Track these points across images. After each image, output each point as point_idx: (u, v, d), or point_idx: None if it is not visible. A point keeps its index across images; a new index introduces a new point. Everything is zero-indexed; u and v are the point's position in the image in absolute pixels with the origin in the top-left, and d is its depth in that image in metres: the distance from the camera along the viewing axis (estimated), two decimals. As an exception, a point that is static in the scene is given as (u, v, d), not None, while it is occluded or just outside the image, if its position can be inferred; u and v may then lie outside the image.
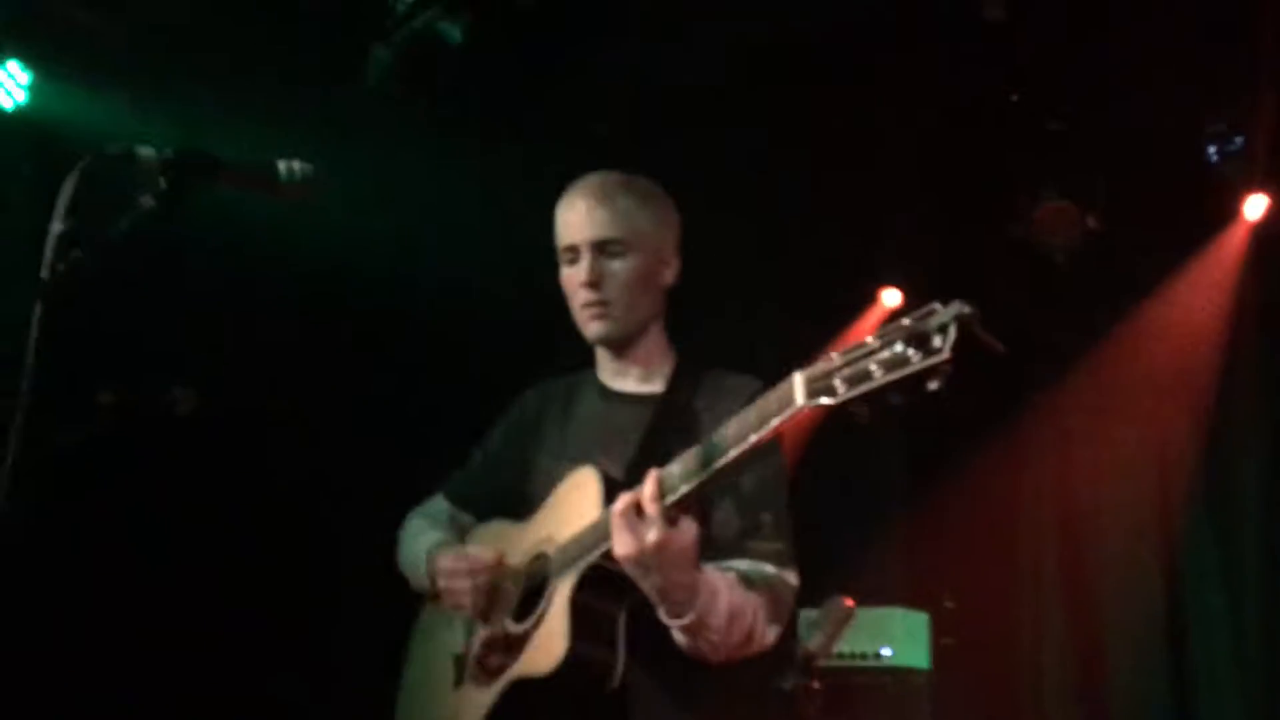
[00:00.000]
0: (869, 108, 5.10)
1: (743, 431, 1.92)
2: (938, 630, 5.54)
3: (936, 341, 1.67)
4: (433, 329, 5.04)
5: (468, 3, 4.34)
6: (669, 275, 2.46)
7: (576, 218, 2.41)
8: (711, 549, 2.19)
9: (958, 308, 1.70)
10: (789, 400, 1.84)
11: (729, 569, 2.18)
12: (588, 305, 2.40)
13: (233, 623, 4.42)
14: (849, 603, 3.39)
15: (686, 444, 2.08)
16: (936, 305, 1.71)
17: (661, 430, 2.34)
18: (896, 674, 5.22)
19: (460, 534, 2.58)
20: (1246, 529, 5.48)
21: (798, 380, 1.84)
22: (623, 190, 2.43)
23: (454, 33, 4.38)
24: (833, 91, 4.97)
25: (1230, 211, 5.36)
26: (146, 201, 2.14)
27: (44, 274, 2.06)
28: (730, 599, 2.10)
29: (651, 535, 1.98)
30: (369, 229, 4.62)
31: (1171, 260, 5.51)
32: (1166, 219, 5.32)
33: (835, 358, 1.77)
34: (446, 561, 2.41)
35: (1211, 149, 5.11)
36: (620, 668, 2.14)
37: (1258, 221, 5.34)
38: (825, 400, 1.77)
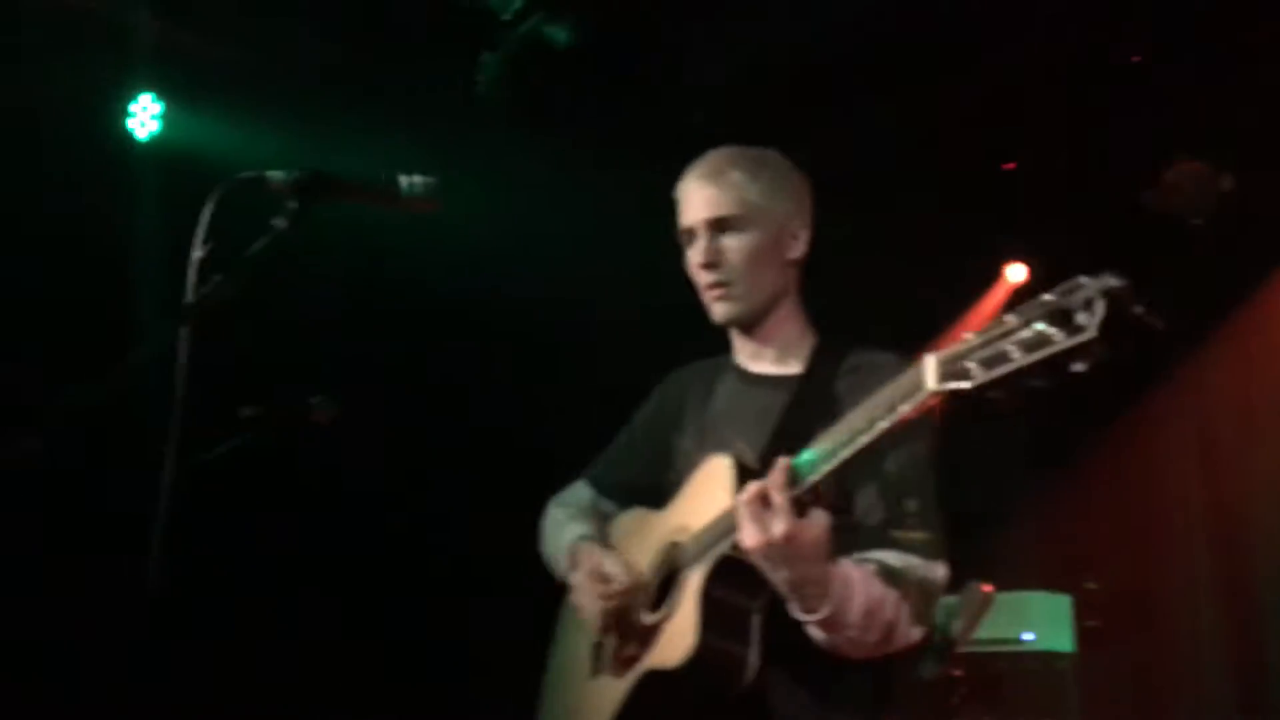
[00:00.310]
0: (990, 79, 4.96)
1: (871, 418, 1.83)
2: (1082, 613, 5.40)
3: (1082, 319, 1.55)
4: (558, 338, 5.10)
5: (572, 5, 4.37)
6: (797, 248, 2.34)
7: (690, 198, 2.34)
8: (853, 538, 2.08)
9: (1106, 281, 1.57)
10: (918, 386, 1.74)
11: (870, 560, 2.05)
12: (709, 287, 2.32)
13: (389, 612, 4.58)
14: (987, 588, 3.31)
15: (825, 427, 1.98)
16: (1083, 279, 1.58)
17: (798, 413, 2.22)
18: (1040, 658, 5.10)
19: (601, 521, 2.54)
20: None
21: (929, 364, 1.72)
22: (734, 164, 2.33)
23: (560, 35, 4.41)
24: (954, 65, 4.86)
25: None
26: (279, 223, 2.21)
27: (188, 299, 2.15)
28: (868, 594, 1.98)
29: (778, 527, 1.89)
30: (490, 238, 4.70)
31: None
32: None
33: (970, 338, 1.66)
34: (580, 578, 2.36)
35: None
36: (754, 662, 2.04)
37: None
38: (959, 384, 1.66)
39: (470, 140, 4.54)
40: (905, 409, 1.78)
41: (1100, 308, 1.55)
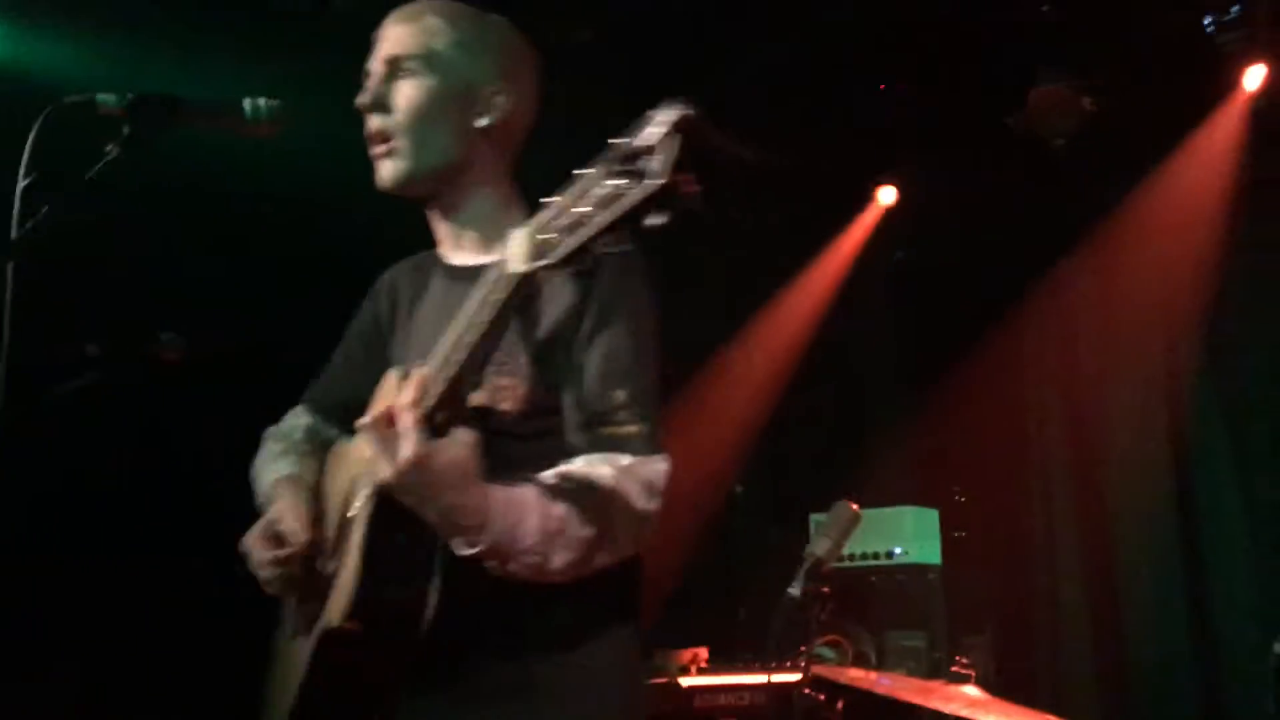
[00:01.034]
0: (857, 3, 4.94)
1: (470, 319, 1.63)
2: (949, 525, 5.59)
3: (654, 164, 1.37)
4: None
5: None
6: (489, 114, 2.03)
7: (378, 39, 2.08)
8: (559, 444, 1.86)
9: (671, 113, 1.40)
10: (503, 271, 1.57)
11: (558, 474, 1.80)
12: (370, 137, 2.04)
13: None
14: (854, 506, 3.36)
15: (527, 334, 1.84)
16: (650, 112, 1.42)
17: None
18: (910, 571, 5.27)
19: (323, 451, 2.19)
20: (1254, 404, 5.47)
21: (516, 241, 1.53)
22: (437, 10, 2.07)
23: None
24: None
25: (1229, 84, 5.23)
26: (112, 149, 2.08)
27: (14, 231, 2.02)
28: (544, 513, 1.73)
29: (404, 450, 1.62)
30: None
31: (1171, 137, 5.40)
32: (1164, 96, 5.20)
33: (554, 202, 1.47)
34: (253, 545, 2.01)
35: (1208, 20, 4.97)
36: (429, 609, 1.80)
37: (1256, 92, 5.22)
38: (544, 262, 1.46)
39: (319, 59, 4.34)
40: (502, 299, 1.60)
41: (671, 146, 1.38)
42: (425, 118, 2.01)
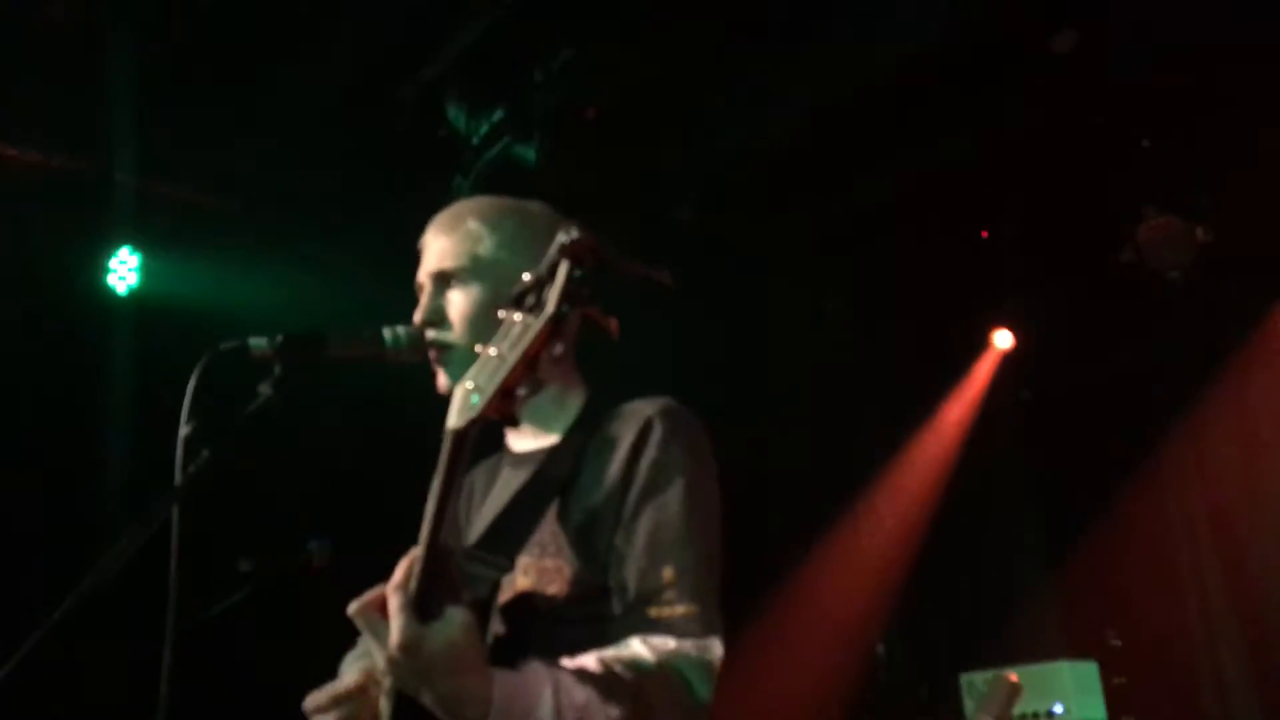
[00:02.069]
0: (960, 156, 5.02)
1: (433, 486, 1.57)
2: (1107, 673, 5.33)
3: (545, 294, 1.44)
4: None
5: (539, 124, 4.42)
6: (563, 343, 2.09)
7: (424, 252, 2.06)
8: (607, 629, 1.74)
9: (561, 238, 1.45)
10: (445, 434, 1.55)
11: (597, 658, 1.68)
12: (429, 349, 2.01)
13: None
14: (1013, 678, 3.24)
15: (567, 513, 1.78)
16: (559, 240, 1.47)
17: (529, 492, 1.89)
18: (1073, 729, 5.01)
19: None
20: None
21: (454, 400, 1.53)
22: (475, 213, 2.04)
23: (529, 155, 4.46)
24: (920, 142, 4.91)
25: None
26: (265, 390, 2.19)
27: (177, 478, 2.13)
28: (563, 701, 1.58)
29: (392, 636, 1.52)
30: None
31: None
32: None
33: (486, 352, 1.52)
34: (310, 700, 1.97)
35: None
36: None
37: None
38: (472, 415, 1.50)
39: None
40: (442, 459, 1.55)
41: (558, 275, 1.44)
42: (480, 327, 1.94)
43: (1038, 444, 6.14)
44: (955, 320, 5.86)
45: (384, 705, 1.72)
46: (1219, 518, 5.87)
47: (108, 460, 4.42)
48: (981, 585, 6.17)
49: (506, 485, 2.00)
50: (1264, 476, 5.63)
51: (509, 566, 1.78)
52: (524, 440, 2.06)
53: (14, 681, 1.86)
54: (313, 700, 1.99)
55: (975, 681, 5.20)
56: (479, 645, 1.58)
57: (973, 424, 6.09)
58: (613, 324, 1.59)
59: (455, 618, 1.54)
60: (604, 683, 1.62)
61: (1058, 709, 5.03)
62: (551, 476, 1.88)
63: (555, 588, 1.81)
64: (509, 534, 1.82)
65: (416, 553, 1.57)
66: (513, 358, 1.47)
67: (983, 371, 6.07)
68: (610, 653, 1.69)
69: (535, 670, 1.63)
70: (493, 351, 1.50)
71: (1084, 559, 5.74)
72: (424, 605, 1.55)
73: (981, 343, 6.08)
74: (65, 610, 1.93)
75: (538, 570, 1.84)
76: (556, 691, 1.59)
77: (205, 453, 2.13)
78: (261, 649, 4.22)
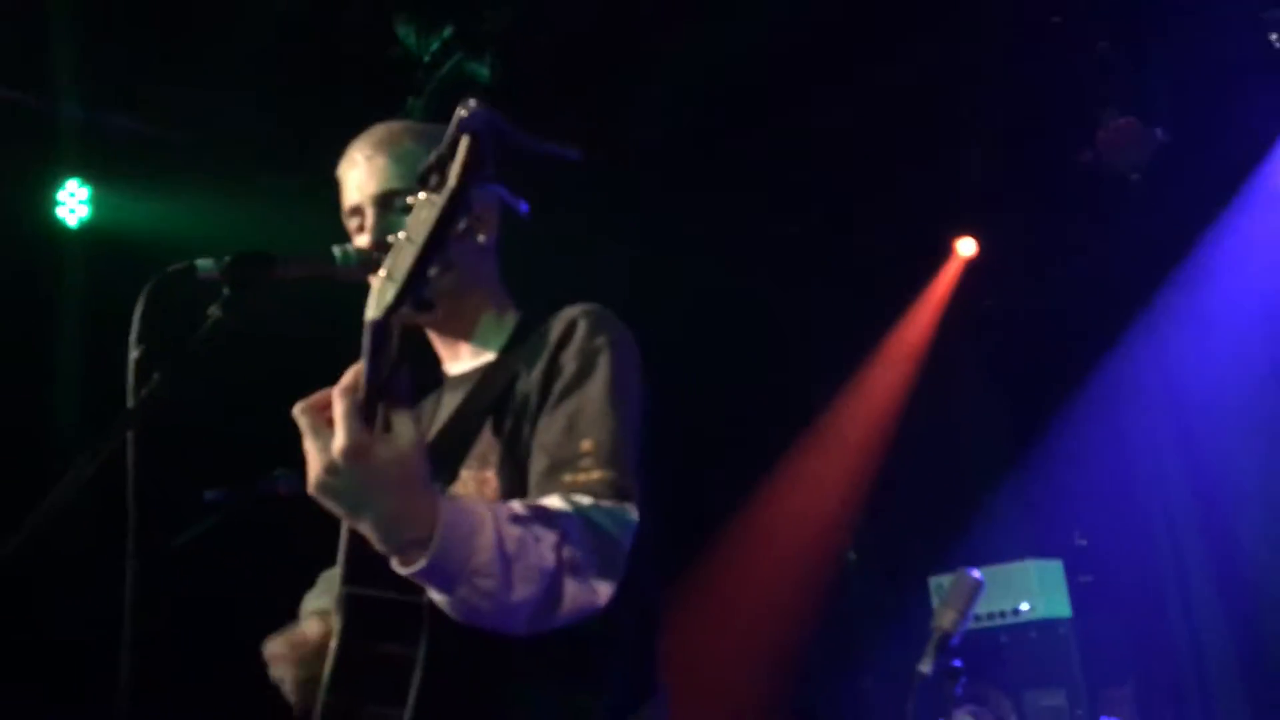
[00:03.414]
0: (917, 57, 4.97)
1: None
2: (1073, 572, 5.44)
3: (448, 172, 1.41)
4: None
5: (491, 40, 4.34)
6: (485, 229, 1.98)
7: (356, 173, 2.03)
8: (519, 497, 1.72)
9: (460, 112, 1.43)
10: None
11: (522, 502, 1.65)
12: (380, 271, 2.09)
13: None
14: (976, 574, 3.29)
15: (501, 424, 1.77)
16: (459, 111, 1.44)
17: (469, 407, 1.88)
18: (1039, 627, 5.12)
19: None
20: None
21: (372, 293, 1.46)
22: (409, 135, 2.02)
23: (482, 72, 4.38)
24: (886, 40, 4.87)
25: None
26: (214, 312, 2.17)
27: (129, 402, 2.11)
28: (502, 531, 1.52)
29: (338, 440, 1.42)
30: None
31: (1254, 157, 5.29)
32: (1238, 115, 5.11)
33: (398, 239, 1.46)
34: (271, 648, 1.99)
35: (1274, 35, 4.88)
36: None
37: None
38: (387, 305, 1.43)
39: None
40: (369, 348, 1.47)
41: (457, 150, 1.42)
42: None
43: (1001, 350, 6.20)
44: (918, 229, 5.86)
45: (335, 618, 1.72)
46: (1182, 417, 5.96)
47: (62, 395, 4.39)
48: (949, 491, 6.25)
49: (447, 408, 2.00)
50: (1225, 375, 5.70)
51: (449, 479, 1.79)
52: (460, 363, 2.05)
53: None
54: (271, 648, 2.02)
55: (943, 584, 5.28)
56: (427, 466, 1.50)
57: (937, 333, 6.13)
58: (523, 205, 1.57)
59: (406, 431, 1.46)
60: (531, 521, 1.58)
61: (1024, 607, 5.14)
62: (488, 391, 1.89)
63: (490, 494, 1.80)
64: (449, 451, 1.82)
65: (359, 366, 1.48)
66: (420, 238, 1.43)
67: (946, 280, 6.09)
68: (532, 501, 1.66)
69: (473, 499, 1.63)
70: (403, 236, 1.46)
71: (1049, 463, 5.82)
72: (371, 416, 1.46)
73: (944, 251, 6.09)
74: (18, 543, 1.92)
75: (476, 481, 1.84)
76: (496, 519, 1.54)
77: (156, 375, 2.12)
78: (228, 580, 4.23)
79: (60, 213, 4.67)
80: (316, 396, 1.51)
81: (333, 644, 1.71)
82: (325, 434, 1.45)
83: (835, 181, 5.47)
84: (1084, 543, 5.99)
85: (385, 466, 1.43)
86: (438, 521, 1.46)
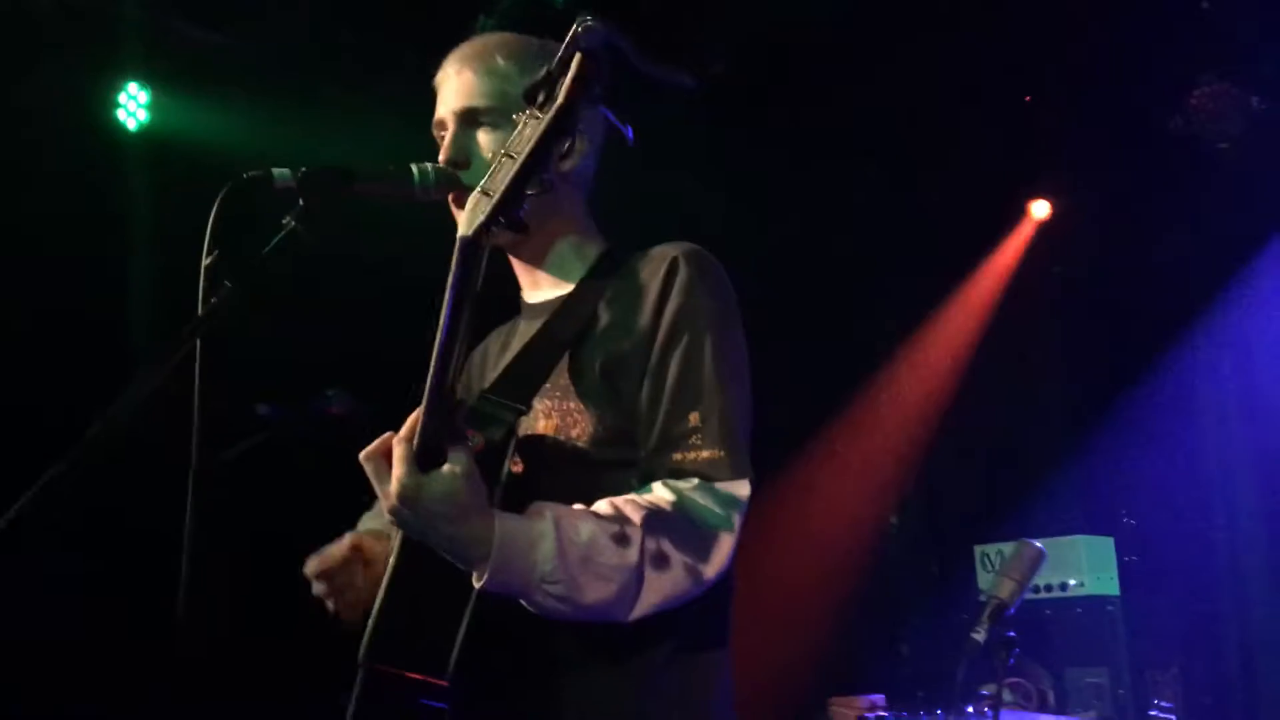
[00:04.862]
0: (1005, 11, 4.79)
1: (443, 307, 1.53)
2: (1122, 551, 5.33)
3: (556, 89, 1.43)
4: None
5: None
6: (570, 158, 1.87)
7: (446, 87, 1.97)
8: (625, 476, 1.73)
9: (574, 29, 1.43)
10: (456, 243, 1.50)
11: (609, 501, 1.67)
12: (453, 190, 1.93)
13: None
14: (1038, 545, 3.20)
15: (583, 356, 1.75)
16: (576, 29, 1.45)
17: (542, 340, 1.85)
18: (1086, 603, 5.02)
19: None
20: None
21: (466, 209, 1.50)
22: (502, 49, 1.95)
23: (557, -8, 4.24)
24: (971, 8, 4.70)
25: None
26: (289, 223, 2.09)
27: (200, 309, 2.05)
28: (565, 538, 1.58)
29: (392, 485, 1.55)
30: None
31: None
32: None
33: (498, 155, 1.49)
34: (308, 566, 1.99)
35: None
36: (455, 654, 1.63)
37: None
38: (482, 219, 1.47)
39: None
40: (454, 270, 1.52)
41: (568, 67, 1.43)
42: None
43: (1070, 319, 6.03)
44: (993, 189, 5.68)
45: (394, 547, 1.74)
46: (1252, 403, 5.79)
47: (127, 296, 4.35)
48: (1002, 458, 6.13)
49: (524, 334, 1.97)
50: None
51: (525, 409, 1.76)
52: (540, 292, 2.01)
53: (35, 512, 1.82)
54: (310, 566, 2.00)
55: (989, 554, 5.19)
56: (481, 491, 1.58)
57: (1004, 297, 5.98)
58: (629, 130, 1.58)
59: (456, 466, 1.56)
60: (611, 520, 1.62)
61: (1072, 582, 5.04)
62: (569, 322, 1.86)
63: (577, 431, 1.78)
64: (525, 378, 1.79)
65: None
66: (522, 155, 1.45)
67: (1017, 242, 5.92)
68: (627, 496, 1.68)
69: (537, 509, 1.63)
70: (503, 153, 1.48)
71: (1109, 439, 5.68)
72: (429, 452, 1.57)
73: (1018, 212, 5.91)
74: (85, 445, 1.87)
75: (560, 413, 1.80)
76: (559, 528, 1.60)
77: (228, 283, 2.06)
78: (279, 497, 4.20)
79: (120, 115, 4.59)
80: (377, 443, 1.62)
81: (389, 566, 1.72)
82: (387, 477, 1.58)
83: (911, 134, 5.30)
84: (1132, 522, 5.86)
85: (437, 504, 1.55)
86: (494, 542, 1.56)
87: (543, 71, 1.49)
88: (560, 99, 1.44)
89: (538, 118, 1.46)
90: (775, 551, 5.28)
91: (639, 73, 1.50)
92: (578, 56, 1.44)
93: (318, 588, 1.96)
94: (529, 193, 1.48)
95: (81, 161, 4.42)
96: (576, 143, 1.89)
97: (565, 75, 1.45)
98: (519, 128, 1.49)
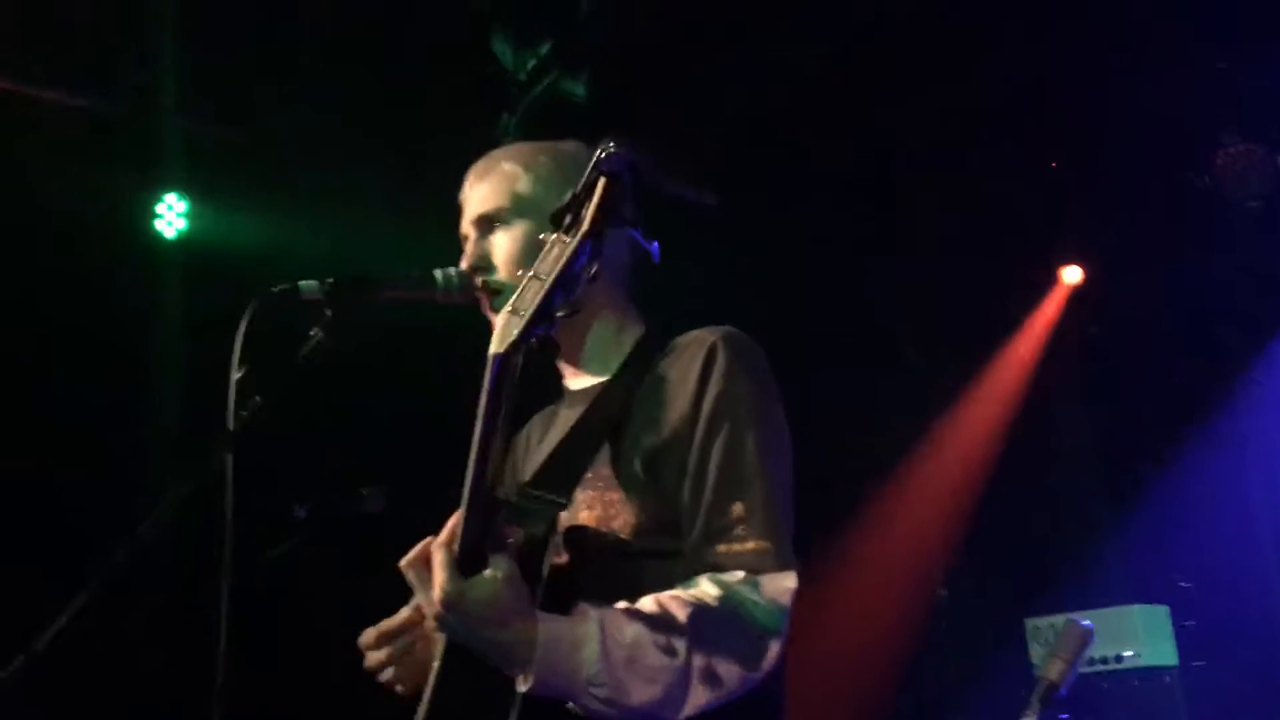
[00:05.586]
0: (1025, 75, 4.82)
1: (479, 417, 1.54)
2: (1177, 617, 5.19)
3: (582, 213, 1.47)
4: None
5: (588, 59, 4.29)
6: (613, 270, 1.89)
7: (464, 201, 2.04)
8: (674, 567, 1.71)
9: (599, 154, 1.47)
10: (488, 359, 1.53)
11: (655, 598, 1.64)
12: (480, 294, 1.97)
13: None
14: (1085, 624, 3.12)
15: (622, 445, 1.75)
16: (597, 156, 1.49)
17: (582, 429, 1.84)
18: (1143, 675, 4.89)
19: None
20: None
21: (498, 326, 1.52)
22: (510, 155, 2.02)
23: (578, 89, 4.33)
24: (987, 64, 4.73)
25: None
26: (316, 333, 2.13)
27: (230, 423, 2.08)
28: (615, 639, 1.56)
29: (434, 592, 1.54)
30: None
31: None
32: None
33: (528, 274, 1.52)
34: (363, 637, 2.00)
35: None
36: None
37: None
38: (513, 338, 1.49)
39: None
40: (485, 385, 1.53)
41: (593, 192, 1.46)
42: (525, 264, 1.79)
43: (1105, 381, 5.96)
44: (1023, 255, 5.67)
45: (437, 651, 1.72)
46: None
47: (158, 406, 4.41)
48: (1046, 528, 6.03)
49: (564, 423, 1.96)
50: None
51: (566, 502, 1.76)
52: (580, 379, 2.01)
53: (70, 631, 1.84)
54: (365, 637, 2.00)
55: (1040, 626, 5.09)
56: (523, 595, 1.57)
57: (1040, 362, 5.92)
58: (654, 247, 1.60)
59: (498, 571, 1.55)
60: (657, 620, 1.60)
61: (1127, 653, 4.91)
62: (607, 412, 1.85)
63: (619, 522, 1.77)
64: (565, 469, 1.78)
65: (460, 513, 1.57)
66: (550, 279, 1.47)
67: (1051, 308, 5.89)
68: (672, 592, 1.66)
69: (582, 610, 1.61)
70: (531, 274, 1.51)
71: (1154, 503, 5.58)
72: (469, 557, 1.56)
73: (1049, 279, 5.89)
74: (118, 560, 1.90)
75: (602, 504, 1.80)
76: (603, 630, 1.58)
77: (257, 398, 2.09)
78: (318, 596, 4.21)
79: (159, 225, 4.71)
80: (418, 550, 1.61)
81: (434, 668, 1.71)
82: (429, 584, 1.56)
83: (939, 204, 5.31)
84: (1188, 585, 5.72)
85: (479, 609, 1.54)
86: (537, 646, 1.55)
87: (568, 195, 1.52)
88: (585, 224, 1.47)
89: (565, 242, 1.49)
90: (824, 629, 5.21)
91: (662, 190, 1.57)
92: (602, 180, 1.48)
93: (375, 657, 1.96)
94: (559, 315, 1.51)
95: (121, 269, 4.53)
96: (610, 259, 1.89)
97: (590, 199, 1.48)
98: (546, 248, 1.52)
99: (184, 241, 4.70)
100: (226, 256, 4.52)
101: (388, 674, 1.95)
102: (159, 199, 4.71)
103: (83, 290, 4.39)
